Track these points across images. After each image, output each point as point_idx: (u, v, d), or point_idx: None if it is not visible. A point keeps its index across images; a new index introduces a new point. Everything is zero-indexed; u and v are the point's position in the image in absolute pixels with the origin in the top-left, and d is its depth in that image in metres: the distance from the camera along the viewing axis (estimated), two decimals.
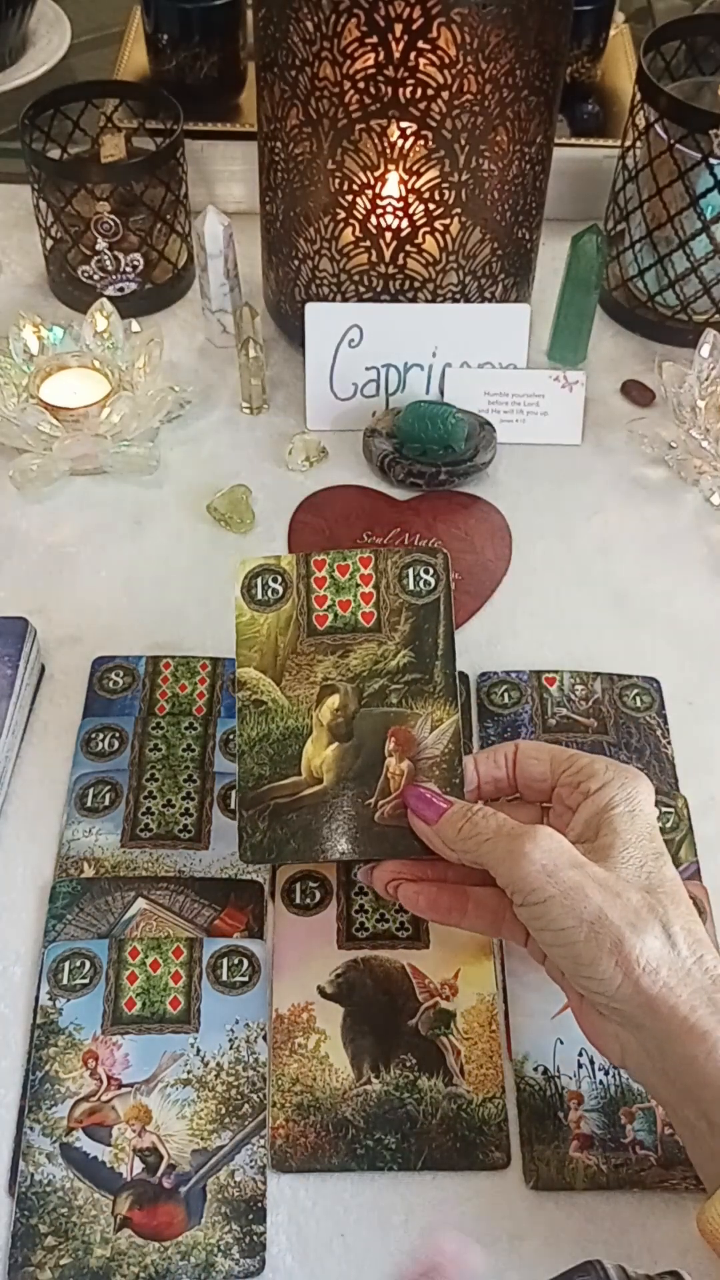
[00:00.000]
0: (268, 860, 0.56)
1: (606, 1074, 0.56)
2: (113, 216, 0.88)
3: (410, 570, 0.59)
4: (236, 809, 0.57)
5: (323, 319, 0.81)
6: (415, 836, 0.55)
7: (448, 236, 0.79)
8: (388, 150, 0.74)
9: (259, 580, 0.60)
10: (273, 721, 0.57)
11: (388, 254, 0.80)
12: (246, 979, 0.58)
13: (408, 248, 0.79)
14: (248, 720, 0.58)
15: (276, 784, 0.57)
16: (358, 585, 0.59)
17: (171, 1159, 0.53)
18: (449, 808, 0.53)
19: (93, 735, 0.67)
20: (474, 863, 0.52)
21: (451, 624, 0.58)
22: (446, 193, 0.76)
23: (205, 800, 0.65)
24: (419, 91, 0.71)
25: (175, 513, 0.80)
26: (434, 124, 0.73)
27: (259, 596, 0.59)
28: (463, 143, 0.74)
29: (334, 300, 0.83)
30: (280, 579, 0.59)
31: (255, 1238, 0.51)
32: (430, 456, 0.81)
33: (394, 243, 0.79)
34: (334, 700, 0.57)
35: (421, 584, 0.59)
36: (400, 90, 0.71)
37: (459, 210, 0.78)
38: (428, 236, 0.79)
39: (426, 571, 0.59)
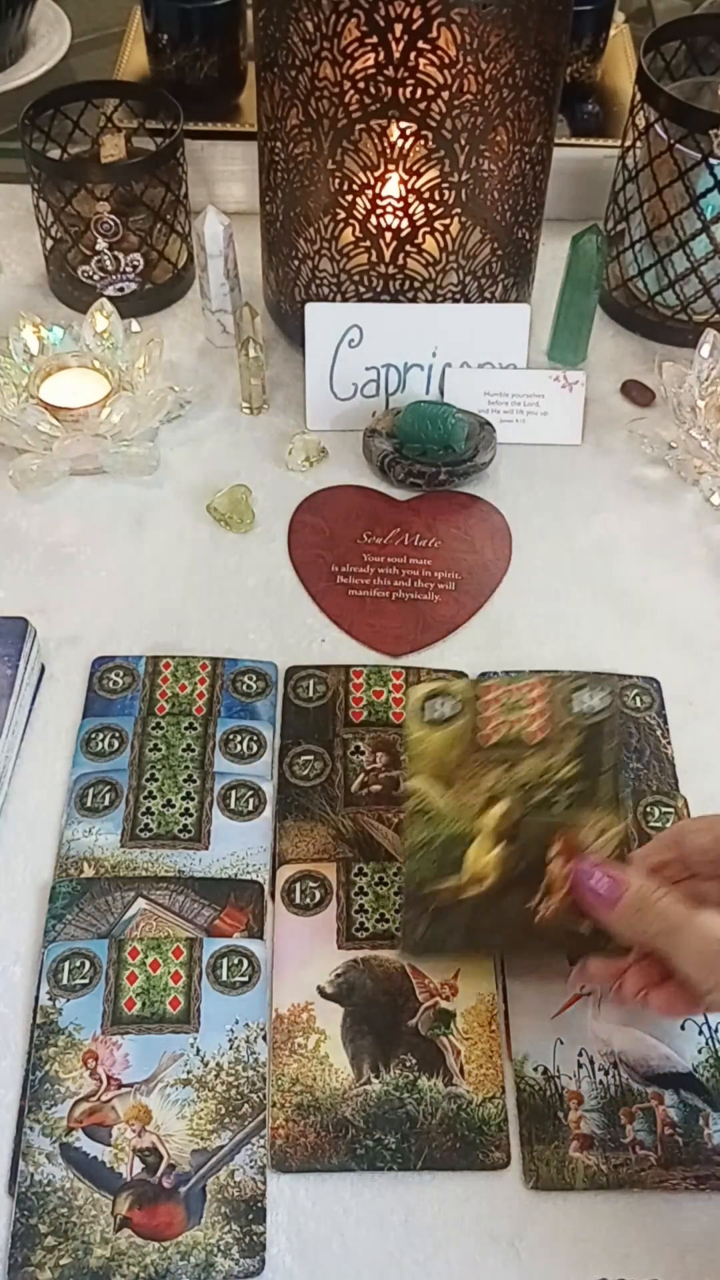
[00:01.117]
0: (429, 956, 0.58)
1: (606, 1074, 0.56)
2: (113, 216, 0.88)
3: (580, 694, 0.61)
4: (403, 906, 0.58)
5: (323, 319, 0.81)
6: (575, 936, 0.55)
7: (448, 236, 0.79)
8: (388, 150, 0.74)
9: (431, 702, 0.62)
10: (438, 827, 0.59)
11: (388, 254, 0.80)
12: (246, 979, 0.58)
13: (408, 248, 0.79)
14: (415, 825, 0.59)
15: (440, 885, 0.57)
16: (527, 706, 0.61)
17: (171, 1159, 0.53)
18: (623, 892, 0.52)
19: (93, 735, 0.67)
20: (650, 949, 0.51)
21: (620, 743, 0.60)
22: (446, 193, 0.76)
23: (205, 800, 0.65)
24: (419, 91, 0.71)
25: (175, 513, 0.80)
26: (434, 124, 0.73)
27: (429, 717, 0.61)
28: (463, 143, 0.74)
29: (334, 300, 0.83)
30: (452, 702, 0.62)
31: (255, 1238, 0.51)
32: (430, 456, 0.81)
33: (394, 243, 0.79)
34: (500, 807, 0.58)
35: (589, 705, 0.60)
36: (400, 90, 0.71)
37: (459, 210, 0.78)
38: (428, 236, 0.79)
39: (595, 695, 0.61)
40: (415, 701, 0.62)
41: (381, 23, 0.68)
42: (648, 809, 0.65)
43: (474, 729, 0.60)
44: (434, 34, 0.69)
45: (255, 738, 0.67)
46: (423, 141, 0.74)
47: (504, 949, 0.57)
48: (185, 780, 0.65)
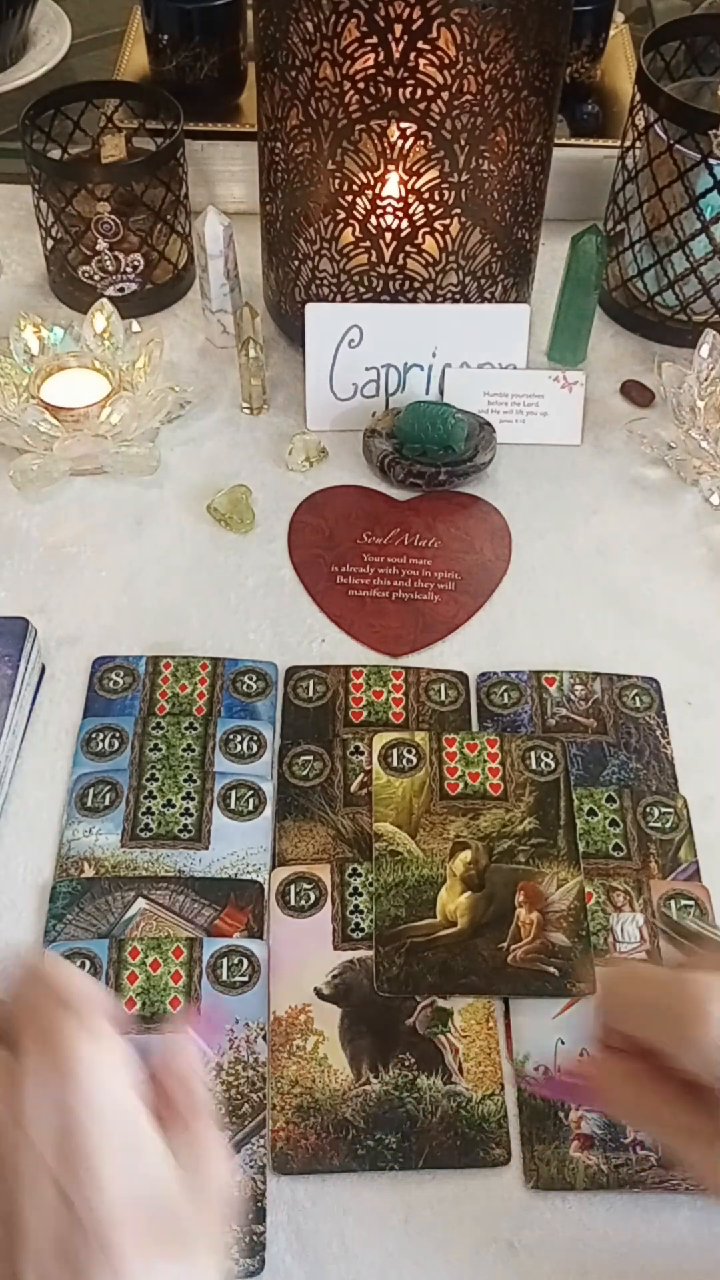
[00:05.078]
0: (405, 992, 0.58)
1: None
2: (113, 217, 0.88)
3: (533, 753, 0.67)
4: (374, 945, 0.59)
5: (323, 319, 0.81)
6: (546, 978, 0.58)
7: (447, 237, 0.79)
8: (388, 150, 0.74)
9: (394, 750, 0.66)
10: (408, 869, 0.62)
11: (388, 254, 0.80)
12: (246, 979, 0.58)
13: (408, 248, 0.79)
14: (384, 867, 0.62)
15: (412, 925, 0.60)
16: (485, 761, 0.66)
17: None
18: (591, 1082, 0.45)
19: (93, 735, 0.67)
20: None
21: (572, 800, 0.65)
22: (446, 193, 0.76)
23: (205, 800, 0.65)
24: (419, 92, 0.71)
25: (175, 513, 0.80)
26: (434, 124, 0.73)
27: (394, 764, 0.66)
28: (463, 143, 0.74)
29: (334, 300, 0.83)
30: (414, 751, 0.66)
31: (255, 1238, 0.51)
32: (430, 457, 0.81)
33: (394, 243, 0.79)
34: (466, 855, 0.62)
35: (543, 765, 0.66)
36: (400, 90, 0.71)
37: (459, 211, 0.78)
38: (427, 237, 0.79)
39: (547, 755, 0.67)
40: (378, 749, 0.66)
41: (381, 23, 0.68)
42: (647, 809, 0.65)
43: (440, 778, 0.65)
44: (434, 34, 0.69)
45: (255, 738, 0.67)
46: (423, 142, 0.74)
47: (478, 990, 0.58)
48: (185, 780, 0.66)
